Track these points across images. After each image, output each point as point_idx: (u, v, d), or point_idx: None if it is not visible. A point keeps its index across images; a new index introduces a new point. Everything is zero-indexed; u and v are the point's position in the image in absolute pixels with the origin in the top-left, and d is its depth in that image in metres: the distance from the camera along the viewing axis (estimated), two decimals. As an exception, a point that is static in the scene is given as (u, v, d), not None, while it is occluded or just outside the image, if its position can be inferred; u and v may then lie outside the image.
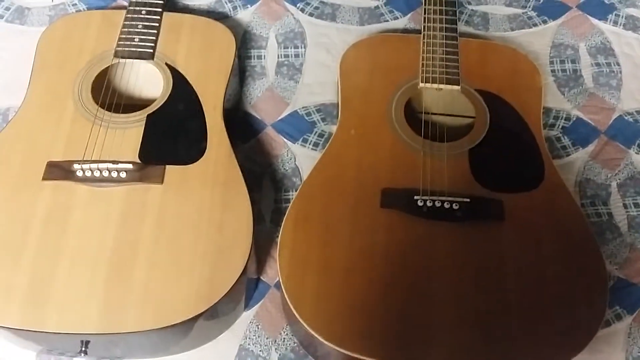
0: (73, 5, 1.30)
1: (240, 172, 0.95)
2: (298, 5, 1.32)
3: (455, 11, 1.11)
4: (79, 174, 0.92)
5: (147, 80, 1.08)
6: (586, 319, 0.86)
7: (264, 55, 1.25)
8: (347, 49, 1.11)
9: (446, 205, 0.92)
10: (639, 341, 0.99)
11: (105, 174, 0.92)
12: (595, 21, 1.31)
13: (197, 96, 1.02)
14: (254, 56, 1.25)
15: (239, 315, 0.99)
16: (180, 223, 0.90)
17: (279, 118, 1.17)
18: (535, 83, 1.08)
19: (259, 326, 0.99)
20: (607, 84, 1.23)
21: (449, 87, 1.04)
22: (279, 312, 0.99)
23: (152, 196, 0.91)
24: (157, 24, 1.09)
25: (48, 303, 0.83)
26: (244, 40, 1.27)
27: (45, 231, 0.88)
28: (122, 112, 0.99)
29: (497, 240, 0.91)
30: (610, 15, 1.32)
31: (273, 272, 1.02)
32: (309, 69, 1.24)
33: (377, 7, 1.32)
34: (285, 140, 1.15)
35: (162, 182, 0.92)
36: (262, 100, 1.20)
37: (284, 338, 0.98)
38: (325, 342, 0.82)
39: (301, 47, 1.26)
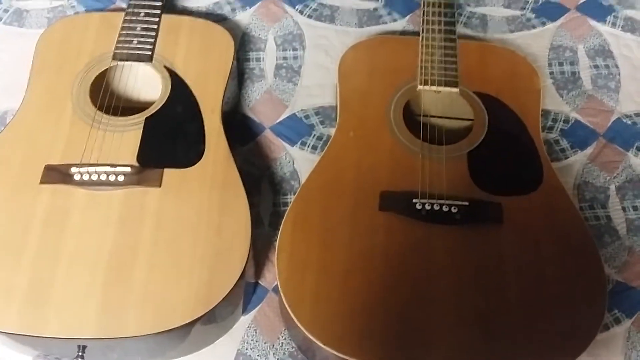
0: (71, 7, 1.30)
1: (238, 175, 0.94)
2: (297, 7, 1.31)
3: (454, 13, 1.11)
4: (77, 177, 0.92)
5: (145, 83, 1.08)
6: (585, 322, 0.86)
7: (263, 58, 1.25)
8: (345, 51, 1.11)
9: (445, 209, 0.91)
10: (638, 345, 0.99)
11: (103, 177, 0.92)
12: (593, 23, 1.31)
13: (195, 99, 1.02)
14: (253, 58, 1.25)
15: (237, 320, 0.99)
16: (178, 226, 0.89)
17: (278, 121, 1.17)
18: (533, 85, 1.08)
19: (257, 331, 0.98)
20: (605, 86, 1.23)
21: (448, 89, 1.04)
22: (277, 317, 0.99)
23: (150, 199, 0.91)
24: (156, 26, 1.08)
25: (46, 308, 0.83)
26: (243, 43, 1.26)
27: (44, 235, 0.88)
28: (120, 115, 0.99)
29: (496, 243, 0.91)
30: (609, 17, 1.32)
31: (271, 276, 1.02)
32: (308, 71, 1.23)
33: (375, 9, 1.32)
34: (283, 143, 1.15)
35: (160, 185, 0.92)
36: (260, 103, 1.19)
37: (282, 342, 0.98)
38: (324, 347, 0.82)
39: (300, 50, 1.26)
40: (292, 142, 1.15)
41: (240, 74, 1.22)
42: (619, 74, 1.25)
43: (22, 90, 1.02)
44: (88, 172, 0.92)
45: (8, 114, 1.15)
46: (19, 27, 1.27)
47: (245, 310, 0.99)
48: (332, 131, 1.04)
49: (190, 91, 1.03)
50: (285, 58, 1.25)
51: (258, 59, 1.25)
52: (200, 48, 1.09)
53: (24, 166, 0.93)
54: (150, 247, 0.87)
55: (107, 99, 1.03)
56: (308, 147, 1.14)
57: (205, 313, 0.84)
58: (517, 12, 1.33)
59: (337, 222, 0.91)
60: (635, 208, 1.10)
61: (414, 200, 0.92)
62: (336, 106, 1.09)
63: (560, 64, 1.26)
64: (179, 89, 1.03)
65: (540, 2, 1.35)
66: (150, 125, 0.98)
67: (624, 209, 1.10)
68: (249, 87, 1.21)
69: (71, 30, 1.10)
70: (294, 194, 1.04)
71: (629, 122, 1.19)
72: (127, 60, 1.05)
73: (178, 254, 0.87)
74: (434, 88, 1.04)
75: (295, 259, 0.88)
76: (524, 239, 0.91)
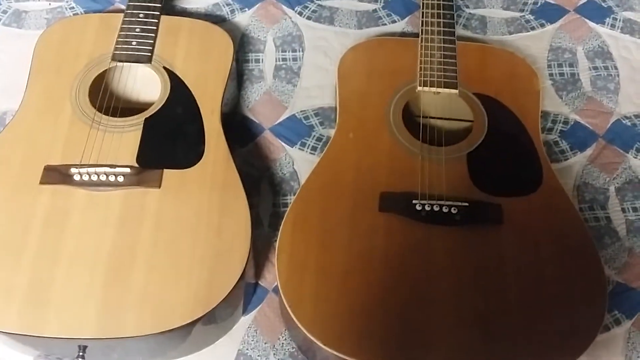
0: (70, 8, 1.30)
1: (238, 176, 0.94)
2: (296, 8, 1.32)
3: (453, 15, 1.11)
4: (77, 178, 0.92)
5: (144, 84, 1.08)
6: (585, 323, 0.86)
7: (262, 59, 1.25)
8: (345, 52, 1.11)
9: (445, 210, 0.91)
10: (638, 346, 0.99)
11: (103, 178, 0.92)
12: (592, 25, 1.32)
13: (195, 100, 1.02)
14: (252, 60, 1.25)
15: (237, 320, 0.98)
16: (178, 227, 0.89)
17: (277, 122, 1.17)
18: (533, 87, 1.08)
19: (257, 331, 0.98)
20: (604, 87, 1.23)
21: (447, 90, 1.04)
22: (277, 317, 0.99)
23: (149, 200, 0.91)
24: (155, 28, 1.08)
25: (46, 308, 0.83)
26: (242, 44, 1.26)
27: (43, 235, 0.88)
28: (119, 116, 0.99)
29: (496, 244, 0.91)
30: (608, 18, 1.32)
31: (271, 277, 1.02)
32: (307, 72, 1.23)
33: (375, 11, 1.32)
34: (283, 144, 1.15)
35: (159, 186, 0.92)
36: (260, 104, 1.19)
37: (283, 343, 0.98)
38: (324, 347, 0.82)
39: (299, 51, 1.26)
40: (292, 143, 1.15)
41: (239, 75, 1.22)
42: (618, 76, 1.25)
43: (21, 91, 1.02)
44: (88, 173, 0.92)
45: (7, 115, 1.15)
46: (18, 28, 1.27)
47: (245, 311, 0.99)
48: (332, 132, 1.04)
49: (190, 92, 1.03)
50: (284, 59, 1.25)
51: (257, 60, 1.25)
52: (200, 49, 1.09)
53: (24, 167, 0.93)
54: (150, 248, 0.87)
55: (106, 100, 1.02)
56: (307, 148, 1.14)
57: (205, 314, 0.84)
58: (517, 14, 1.33)
59: (337, 223, 0.91)
60: (635, 209, 1.10)
61: (413, 201, 0.92)
62: (335, 107, 1.09)
63: (560, 66, 1.26)
64: (179, 90, 1.03)
65: (540, 3, 1.35)
66: (149, 126, 0.98)
67: (623, 210, 1.10)
68: (249, 88, 1.21)
69: (70, 32, 1.10)
70: (294, 195, 1.04)
71: (629, 123, 1.19)
72: (126, 61, 1.05)
73: (178, 254, 0.87)
74: (433, 89, 1.04)
75: (295, 259, 0.88)
76: (524, 240, 0.91)
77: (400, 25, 1.30)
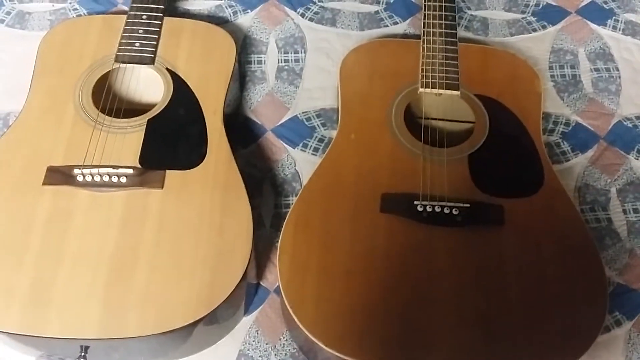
0: (74, 10, 1.30)
1: (240, 177, 0.95)
2: (298, 10, 1.32)
3: (455, 16, 1.12)
4: (80, 178, 0.92)
5: (147, 85, 1.08)
6: (586, 324, 0.86)
7: (264, 60, 1.25)
8: (347, 53, 1.11)
9: (446, 211, 0.92)
10: (639, 347, 0.99)
11: (106, 178, 0.92)
12: (594, 26, 1.32)
13: (197, 101, 1.02)
14: (254, 61, 1.25)
15: (238, 321, 0.99)
16: (180, 228, 0.90)
17: (279, 123, 1.18)
18: (534, 88, 1.08)
19: (259, 331, 0.99)
20: (606, 89, 1.23)
21: (449, 92, 1.04)
22: (279, 318, 0.99)
23: (152, 201, 0.91)
24: (158, 29, 1.09)
25: (48, 308, 0.84)
26: (244, 45, 1.27)
27: (46, 236, 0.88)
28: (122, 117, 1.00)
29: (497, 245, 0.91)
30: (609, 20, 1.32)
31: (273, 278, 1.02)
32: (309, 73, 1.24)
33: (376, 12, 1.33)
34: (285, 145, 1.15)
35: (162, 187, 0.93)
36: (262, 105, 1.20)
37: (284, 343, 0.98)
38: (325, 348, 0.82)
39: (301, 52, 1.26)
40: (294, 144, 1.15)
41: (241, 77, 1.22)
42: (619, 77, 1.25)
43: (25, 92, 1.03)
44: (90, 174, 0.92)
45: (11, 116, 1.15)
46: (22, 29, 1.27)
47: (247, 311, 1.00)
48: (334, 133, 1.04)
49: (192, 93, 1.03)
50: (286, 61, 1.25)
51: (259, 62, 1.25)
52: (202, 51, 1.09)
53: (27, 167, 0.94)
54: (153, 248, 0.88)
55: (109, 101, 1.03)
56: (309, 149, 1.15)
57: (207, 314, 0.84)
58: (518, 16, 1.34)
59: (339, 224, 0.92)
60: (636, 210, 1.10)
61: (415, 202, 0.92)
62: (337, 108, 1.09)
63: (561, 67, 1.26)
64: (181, 91, 1.03)
65: (541, 5, 1.35)
66: (152, 127, 0.99)
67: (624, 211, 1.10)
68: (251, 89, 1.22)
69: (73, 33, 1.10)
70: (296, 196, 1.05)
71: (630, 125, 1.19)
72: (129, 62, 1.05)
73: (180, 255, 0.88)
74: (435, 91, 1.04)
75: (296, 260, 0.88)
76: (525, 241, 0.92)
77: (402, 27, 1.31)
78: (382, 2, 1.34)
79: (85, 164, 0.94)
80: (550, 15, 1.33)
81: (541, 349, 0.84)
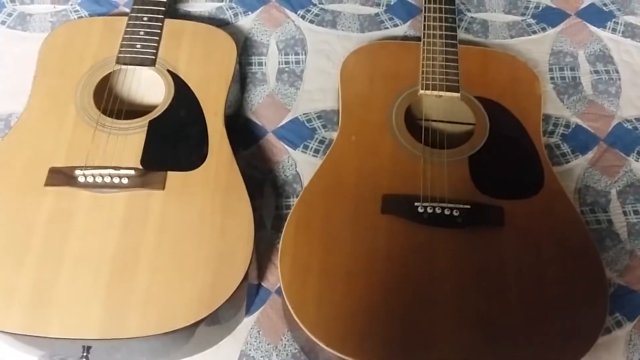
0: (75, 11, 1.30)
1: (241, 178, 0.95)
2: (299, 12, 1.32)
3: (455, 18, 1.12)
4: (81, 179, 0.92)
5: (148, 87, 1.08)
6: (586, 325, 0.86)
7: (265, 62, 1.26)
8: (347, 55, 1.12)
9: (446, 212, 0.92)
10: None
11: (107, 180, 0.92)
12: (593, 29, 1.32)
13: (198, 102, 1.03)
14: (255, 63, 1.26)
15: (240, 321, 0.99)
16: (181, 229, 0.90)
17: (280, 124, 1.18)
18: (534, 90, 1.09)
19: (260, 332, 0.99)
20: (606, 91, 1.24)
21: (449, 94, 1.05)
22: (280, 318, 0.99)
23: (153, 202, 0.92)
24: (159, 31, 1.09)
25: (50, 308, 0.84)
26: (245, 47, 1.27)
27: (48, 237, 0.88)
28: (124, 119, 1.00)
29: (497, 247, 0.91)
30: (609, 22, 1.33)
31: (274, 278, 1.03)
32: (310, 75, 1.24)
33: (377, 15, 1.33)
34: (286, 146, 1.15)
35: (163, 188, 0.93)
36: (263, 107, 1.20)
37: (285, 344, 0.98)
38: (327, 348, 0.82)
39: (302, 54, 1.27)
40: (295, 146, 1.15)
41: (242, 78, 1.23)
42: (619, 79, 1.25)
43: (26, 93, 1.03)
44: (92, 175, 0.92)
45: (12, 117, 1.16)
46: (23, 30, 1.28)
47: (248, 312, 1.00)
48: (334, 135, 1.04)
49: (193, 95, 1.04)
50: (287, 62, 1.26)
51: (260, 64, 1.26)
52: (203, 52, 1.09)
53: (29, 168, 0.94)
54: (154, 249, 0.88)
55: (110, 102, 1.03)
56: (310, 150, 1.15)
57: (209, 315, 0.84)
58: (518, 18, 1.34)
59: (340, 225, 0.92)
60: (636, 212, 1.10)
61: (415, 204, 0.93)
62: (338, 110, 1.09)
63: (561, 69, 1.27)
64: (182, 93, 1.03)
65: (541, 8, 1.36)
66: (153, 129, 0.99)
67: (625, 213, 1.10)
68: (252, 91, 1.22)
69: (74, 35, 1.11)
70: (297, 197, 1.05)
71: (630, 127, 1.19)
72: (130, 64, 1.06)
73: (181, 256, 0.88)
74: (435, 93, 1.05)
75: (298, 261, 0.89)
76: (526, 243, 0.92)
77: (402, 29, 1.31)
78: (383, 4, 1.35)
79: (86, 165, 0.94)
80: (550, 18, 1.34)
81: (542, 350, 0.84)
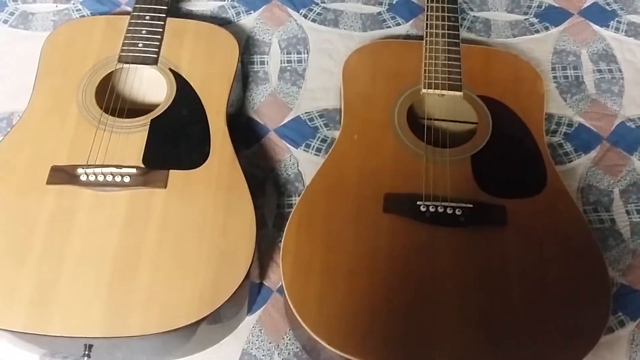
0: (77, 10, 1.30)
1: (243, 177, 0.95)
2: (301, 11, 1.32)
3: (457, 17, 1.12)
4: (83, 178, 0.92)
5: (150, 86, 1.08)
6: (589, 325, 0.86)
7: (267, 61, 1.26)
8: (349, 54, 1.11)
9: (449, 211, 0.92)
10: (642, 347, 0.99)
11: (109, 178, 0.92)
12: (596, 28, 1.32)
13: (200, 101, 1.03)
14: (257, 62, 1.25)
15: (241, 320, 0.99)
16: (183, 227, 0.90)
17: (282, 123, 1.18)
18: (537, 89, 1.08)
19: (262, 331, 0.99)
20: (609, 90, 1.24)
21: (452, 93, 1.04)
22: (282, 317, 0.99)
23: (155, 201, 0.92)
24: (161, 30, 1.09)
25: (52, 307, 0.84)
26: (247, 46, 1.27)
27: (50, 235, 0.88)
28: (126, 117, 1.00)
29: (500, 246, 0.91)
30: (612, 21, 1.33)
31: (276, 277, 1.02)
32: (312, 74, 1.24)
33: (379, 13, 1.33)
34: (288, 145, 1.15)
35: (165, 186, 0.93)
36: (265, 106, 1.20)
37: (287, 343, 0.98)
38: (328, 347, 0.82)
39: (304, 53, 1.27)
40: (297, 145, 1.15)
41: (244, 77, 1.22)
42: (622, 79, 1.25)
43: (28, 92, 1.03)
44: (94, 173, 0.92)
45: (14, 116, 1.16)
46: (25, 29, 1.28)
47: (250, 311, 1.00)
48: (336, 134, 1.04)
49: (195, 93, 1.03)
50: (289, 61, 1.26)
51: (262, 62, 1.25)
52: (205, 51, 1.09)
53: (31, 167, 0.94)
54: (156, 248, 0.88)
55: (112, 101, 1.03)
56: (312, 149, 1.15)
57: (210, 313, 0.84)
58: (521, 17, 1.34)
59: (342, 224, 0.92)
60: (639, 211, 1.10)
61: (418, 203, 0.92)
62: (340, 109, 1.09)
63: (564, 69, 1.26)
64: (184, 92, 1.03)
65: (544, 7, 1.35)
66: (155, 127, 0.99)
67: (627, 212, 1.10)
68: (254, 90, 1.22)
69: (77, 33, 1.11)
70: (299, 196, 1.05)
71: (633, 126, 1.19)
72: (132, 63, 1.06)
73: (183, 254, 0.88)
74: (437, 92, 1.05)
75: (299, 260, 0.89)
76: (528, 242, 0.92)
77: (404, 28, 1.31)
78: (385, 3, 1.34)
79: (88, 163, 0.94)
80: (553, 17, 1.34)
81: (544, 350, 0.84)
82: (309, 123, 1.18)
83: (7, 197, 0.92)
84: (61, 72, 1.05)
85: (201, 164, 0.96)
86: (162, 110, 1.01)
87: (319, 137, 1.16)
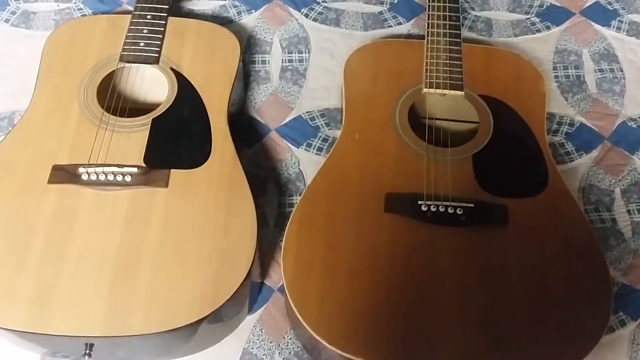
0: (79, 9, 1.30)
1: (244, 177, 0.95)
2: (302, 10, 1.32)
3: (459, 17, 1.12)
4: (85, 177, 0.93)
5: (152, 85, 1.08)
6: (590, 324, 0.86)
7: (268, 60, 1.26)
8: (351, 54, 1.11)
9: (450, 210, 0.92)
10: (643, 347, 0.99)
11: (111, 177, 0.92)
12: (598, 27, 1.32)
13: (201, 100, 1.03)
14: (258, 61, 1.25)
15: (242, 319, 0.99)
16: (185, 227, 0.90)
17: (283, 123, 1.18)
18: (538, 89, 1.08)
19: (263, 330, 0.99)
20: (610, 89, 1.23)
21: (453, 92, 1.04)
22: (283, 316, 0.99)
23: (157, 200, 0.92)
24: (162, 29, 1.09)
25: (53, 306, 0.84)
26: (249, 45, 1.27)
27: (51, 234, 0.88)
28: (127, 116, 1.00)
29: (501, 245, 0.91)
30: (613, 21, 1.32)
31: (277, 276, 1.03)
32: (313, 73, 1.24)
33: (380, 13, 1.33)
34: (289, 144, 1.15)
35: (166, 185, 0.93)
36: (266, 105, 1.20)
37: (288, 342, 0.98)
38: (329, 346, 0.82)
39: (305, 52, 1.27)
40: (298, 144, 1.15)
41: (246, 76, 1.23)
42: (624, 78, 1.25)
43: (30, 91, 1.03)
44: (95, 172, 0.93)
45: (16, 115, 1.16)
46: (27, 29, 1.28)
47: (251, 310, 1.00)
48: (338, 133, 1.04)
49: (197, 93, 1.04)
50: (290, 61, 1.26)
51: (264, 62, 1.25)
52: (207, 50, 1.09)
53: (32, 166, 0.94)
54: (157, 247, 0.88)
55: (114, 100, 1.03)
56: (313, 148, 1.15)
57: (211, 312, 0.84)
58: (522, 16, 1.34)
59: (343, 223, 0.92)
60: (640, 211, 1.10)
61: (419, 202, 0.92)
62: (341, 108, 1.09)
63: (565, 68, 1.26)
64: (186, 91, 1.03)
65: (545, 6, 1.35)
66: (157, 127, 0.99)
67: (629, 211, 1.10)
68: (255, 89, 1.22)
69: (78, 33, 1.11)
70: (300, 195, 1.05)
71: (634, 125, 1.19)
72: (133, 62, 1.06)
73: (184, 254, 0.88)
74: (439, 91, 1.04)
75: (301, 259, 0.89)
76: (529, 241, 0.92)
77: (406, 27, 1.31)
78: (386, 2, 1.34)
79: (90, 162, 0.94)
80: (554, 16, 1.33)
81: (545, 349, 0.84)
82: (310, 122, 1.18)
83: (9, 196, 0.92)
84: (63, 72, 1.05)
85: (202, 164, 0.96)
86: (163, 110, 1.01)
87: (320, 137, 1.16)
